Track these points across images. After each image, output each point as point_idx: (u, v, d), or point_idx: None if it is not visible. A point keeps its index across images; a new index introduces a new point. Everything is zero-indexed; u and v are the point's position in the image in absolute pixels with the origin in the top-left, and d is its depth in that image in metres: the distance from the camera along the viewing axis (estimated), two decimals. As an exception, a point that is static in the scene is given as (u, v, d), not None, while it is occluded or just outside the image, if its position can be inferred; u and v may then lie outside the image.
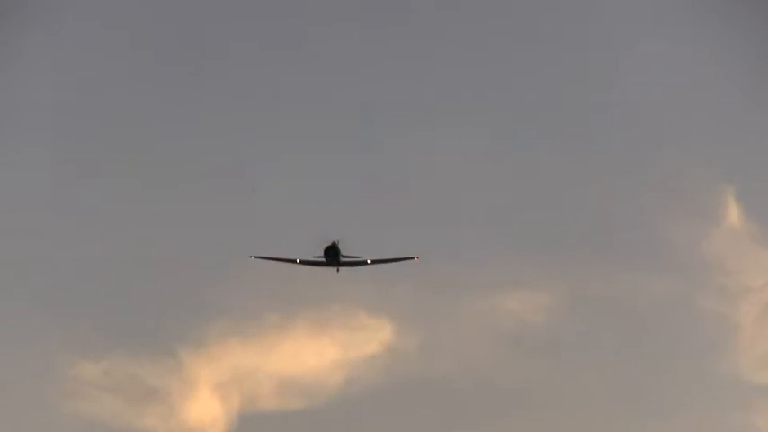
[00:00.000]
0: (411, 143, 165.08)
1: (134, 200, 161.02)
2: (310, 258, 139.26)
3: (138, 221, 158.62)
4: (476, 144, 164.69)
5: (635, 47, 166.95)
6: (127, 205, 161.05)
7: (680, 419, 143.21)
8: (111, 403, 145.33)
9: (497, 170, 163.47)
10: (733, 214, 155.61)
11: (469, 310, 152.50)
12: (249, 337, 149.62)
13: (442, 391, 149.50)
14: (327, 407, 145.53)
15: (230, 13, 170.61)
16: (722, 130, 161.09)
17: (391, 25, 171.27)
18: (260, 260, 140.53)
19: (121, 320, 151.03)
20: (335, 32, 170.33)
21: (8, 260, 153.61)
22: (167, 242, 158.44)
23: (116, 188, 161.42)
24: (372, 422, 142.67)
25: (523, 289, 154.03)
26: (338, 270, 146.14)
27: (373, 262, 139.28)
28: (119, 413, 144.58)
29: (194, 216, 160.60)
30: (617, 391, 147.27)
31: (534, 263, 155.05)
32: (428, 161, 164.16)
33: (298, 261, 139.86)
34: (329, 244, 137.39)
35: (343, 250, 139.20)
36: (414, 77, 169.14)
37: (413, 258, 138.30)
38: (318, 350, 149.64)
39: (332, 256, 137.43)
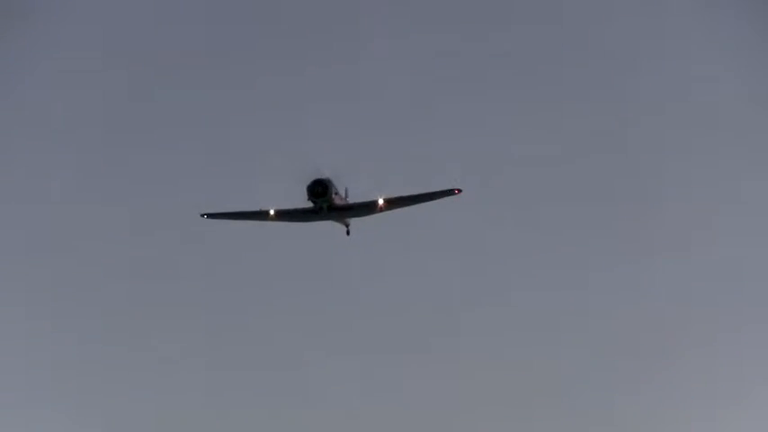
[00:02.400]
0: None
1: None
2: (290, 208, 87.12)
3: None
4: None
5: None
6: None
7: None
8: None
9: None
10: None
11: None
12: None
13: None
14: None
15: None
16: None
17: None
18: (214, 219, 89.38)
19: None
20: None
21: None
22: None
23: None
24: None
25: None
26: (348, 230, 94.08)
27: (391, 203, 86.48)
28: None
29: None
30: None
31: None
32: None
33: (272, 213, 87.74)
34: (314, 180, 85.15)
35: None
36: None
37: (453, 192, 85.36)
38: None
39: (321, 200, 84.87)
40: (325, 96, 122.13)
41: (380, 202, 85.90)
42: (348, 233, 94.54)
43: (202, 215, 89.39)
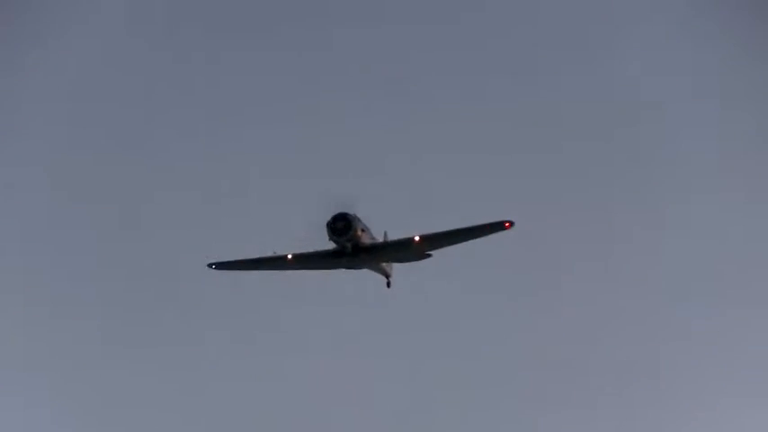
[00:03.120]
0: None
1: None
2: (309, 251, 72.05)
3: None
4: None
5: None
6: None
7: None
8: None
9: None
10: None
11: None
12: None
13: None
14: None
15: None
16: None
17: None
18: (223, 270, 74.54)
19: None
20: None
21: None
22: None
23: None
24: None
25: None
26: (388, 281, 79.04)
27: (429, 241, 70.92)
28: None
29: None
30: None
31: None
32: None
33: (289, 258, 72.68)
34: (335, 215, 70.08)
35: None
36: None
37: (503, 227, 69.78)
38: None
39: (344, 239, 69.66)
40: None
41: (416, 239, 70.71)
42: (389, 284, 79.56)
43: (210, 265, 74.90)
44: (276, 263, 72.71)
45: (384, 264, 76.39)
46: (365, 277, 79.05)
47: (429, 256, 77.44)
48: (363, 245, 70.02)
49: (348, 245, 69.48)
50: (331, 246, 70.55)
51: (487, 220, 69.65)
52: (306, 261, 71.91)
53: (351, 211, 69.37)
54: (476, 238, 70.29)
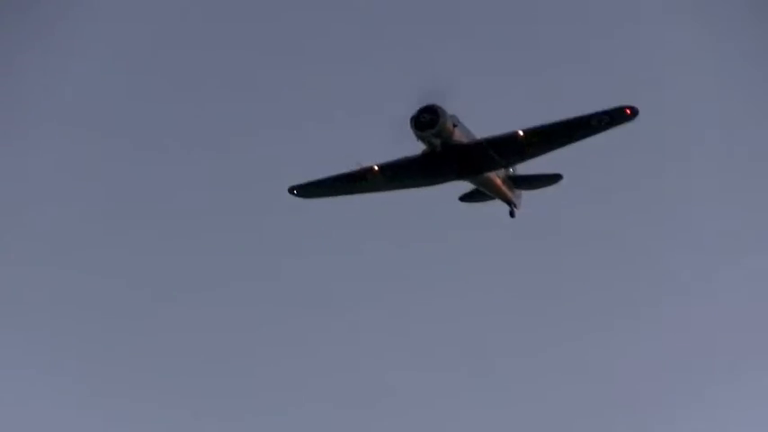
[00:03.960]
0: None
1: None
2: (397, 159, 60.17)
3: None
4: None
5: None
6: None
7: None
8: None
9: None
10: None
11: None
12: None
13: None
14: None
15: None
16: None
17: None
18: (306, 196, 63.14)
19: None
20: None
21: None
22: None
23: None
24: None
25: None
26: (512, 211, 66.66)
27: (536, 136, 57.91)
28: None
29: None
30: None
31: None
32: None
33: (375, 169, 60.77)
34: (421, 107, 57.63)
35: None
36: None
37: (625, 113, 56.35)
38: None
39: (431, 134, 57.39)
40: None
41: (520, 133, 57.91)
42: (512, 214, 67.16)
43: (291, 190, 63.58)
44: (363, 182, 61.04)
45: (500, 181, 64.01)
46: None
47: (559, 177, 65.39)
48: (457, 142, 57.67)
49: (437, 141, 57.15)
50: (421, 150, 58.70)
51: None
52: (395, 172, 60.03)
53: (441, 105, 57.40)
54: (595, 133, 57.28)
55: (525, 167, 63.81)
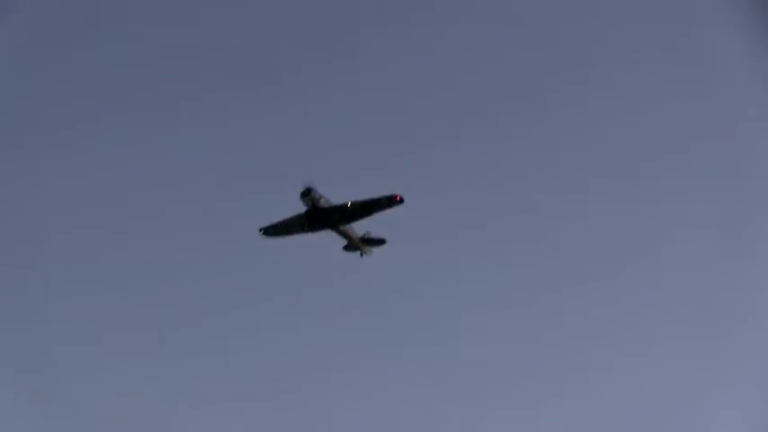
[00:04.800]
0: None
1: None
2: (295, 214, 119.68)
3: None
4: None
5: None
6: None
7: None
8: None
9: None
10: None
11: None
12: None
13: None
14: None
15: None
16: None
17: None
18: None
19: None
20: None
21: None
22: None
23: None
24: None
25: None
26: (361, 252, 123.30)
27: (354, 206, 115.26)
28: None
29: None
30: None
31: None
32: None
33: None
34: (304, 187, 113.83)
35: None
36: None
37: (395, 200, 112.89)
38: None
39: (307, 198, 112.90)
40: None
41: (349, 204, 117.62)
42: (361, 254, 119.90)
43: (261, 230, 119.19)
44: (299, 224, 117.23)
45: (355, 235, 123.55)
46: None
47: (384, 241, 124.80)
48: (320, 206, 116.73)
49: (310, 203, 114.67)
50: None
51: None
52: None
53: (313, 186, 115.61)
54: (382, 209, 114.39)
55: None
